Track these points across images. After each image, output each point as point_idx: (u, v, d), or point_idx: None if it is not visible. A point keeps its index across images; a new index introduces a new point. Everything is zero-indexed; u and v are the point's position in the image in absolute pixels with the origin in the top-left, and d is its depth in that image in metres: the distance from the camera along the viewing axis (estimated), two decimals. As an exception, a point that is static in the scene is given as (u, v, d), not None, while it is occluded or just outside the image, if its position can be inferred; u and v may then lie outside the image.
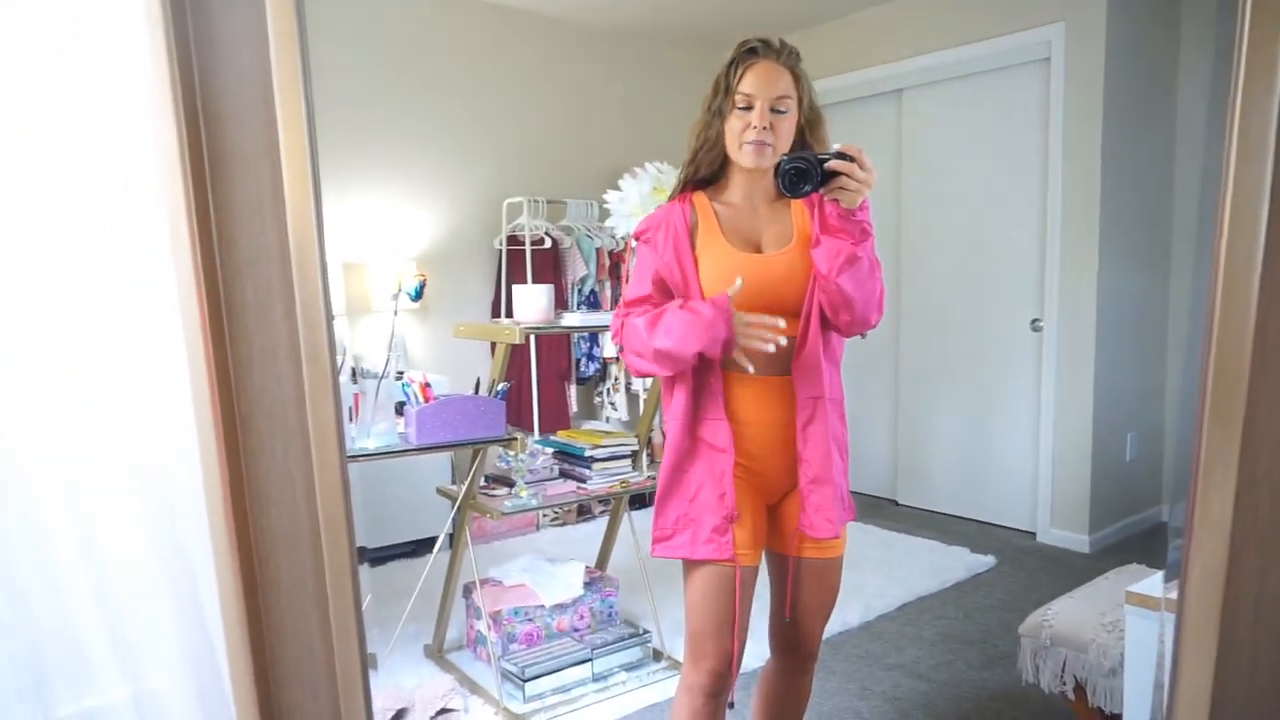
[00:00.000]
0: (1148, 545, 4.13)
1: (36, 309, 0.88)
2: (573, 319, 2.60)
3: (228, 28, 0.86)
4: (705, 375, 1.63)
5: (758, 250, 1.63)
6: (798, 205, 1.65)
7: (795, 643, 1.79)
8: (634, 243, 1.75)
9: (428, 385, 2.42)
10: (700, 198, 1.68)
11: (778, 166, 1.49)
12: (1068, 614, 2.12)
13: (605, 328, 3.24)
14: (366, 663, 0.92)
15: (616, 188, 2.74)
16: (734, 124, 1.58)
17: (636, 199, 2.59)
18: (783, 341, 1.50)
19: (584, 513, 4.69)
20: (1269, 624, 0.75)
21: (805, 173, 1.46)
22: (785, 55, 1.59)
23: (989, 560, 3.93)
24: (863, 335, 1.68)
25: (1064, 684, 2.06)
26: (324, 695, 0.93)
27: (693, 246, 1.64)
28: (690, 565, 1.64)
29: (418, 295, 3.10)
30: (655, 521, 1.69)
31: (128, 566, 0.95)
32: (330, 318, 0.92)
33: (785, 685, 1.87)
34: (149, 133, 0.83)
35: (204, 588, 0.94)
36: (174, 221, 0.84)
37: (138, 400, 0.96)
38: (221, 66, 0.86)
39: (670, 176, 2.63)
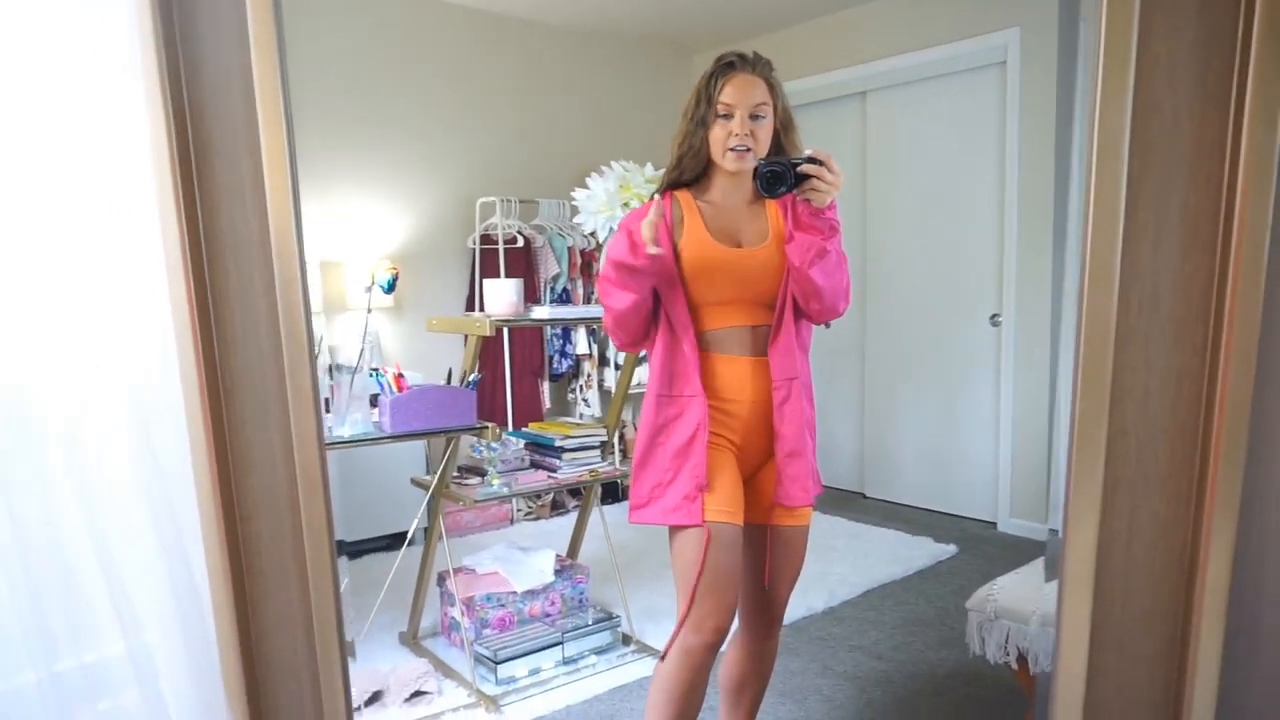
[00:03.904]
0: (1102, 532, 4.26)
1: (46, 285, 0.95)
2: (542, 312, 2.69)
3: (211, 31, 0.94)
4: (678, 352, 1.76)
5: (738, 245, 1.77)
6: (773, 205, 1.80)
7: (764, 607, 1.92)
8: (602, 236, 1.86)
9: (401, 376, 2.50)
10: (685, 195, 1.81)
11: (756, 169, 1.64)
12: (1012, 588, 2.24)
13: (576, 321, 3.33)
14: (341, 615, 1.00)
15: (586, 186, 2.83)
16: (717, 132, 1.73)
17: (603, 196, 2.68)
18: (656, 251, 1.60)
19: (557, 507, 4.77)
20: (1140, 557, 0.85)
21: (780, 175, 1.62)
22: (760, 67, 1.74)
23: (951, 549, 4.06)
24: (826, 325, 1.84)
25: (1008, 654, 2.17)
26: (302, 645, 1.01)
27: (672, 236, 1.77)
28: (679, 530, 1.74)
29: (390, 288, 3.17)
30: (632, 490, 1.81)
31: (125, 528, 1.02)
32: (308, 297, 1.00)
33: (753, 650, 1.98)
34: (142, 127, 0.92)
35: (192, 548, 1.02)
36: (163, 208, 0.92)
37: (133, 381, 1.04)
38: (206, 66, 0.95)
39: (636, 175, 2.72)
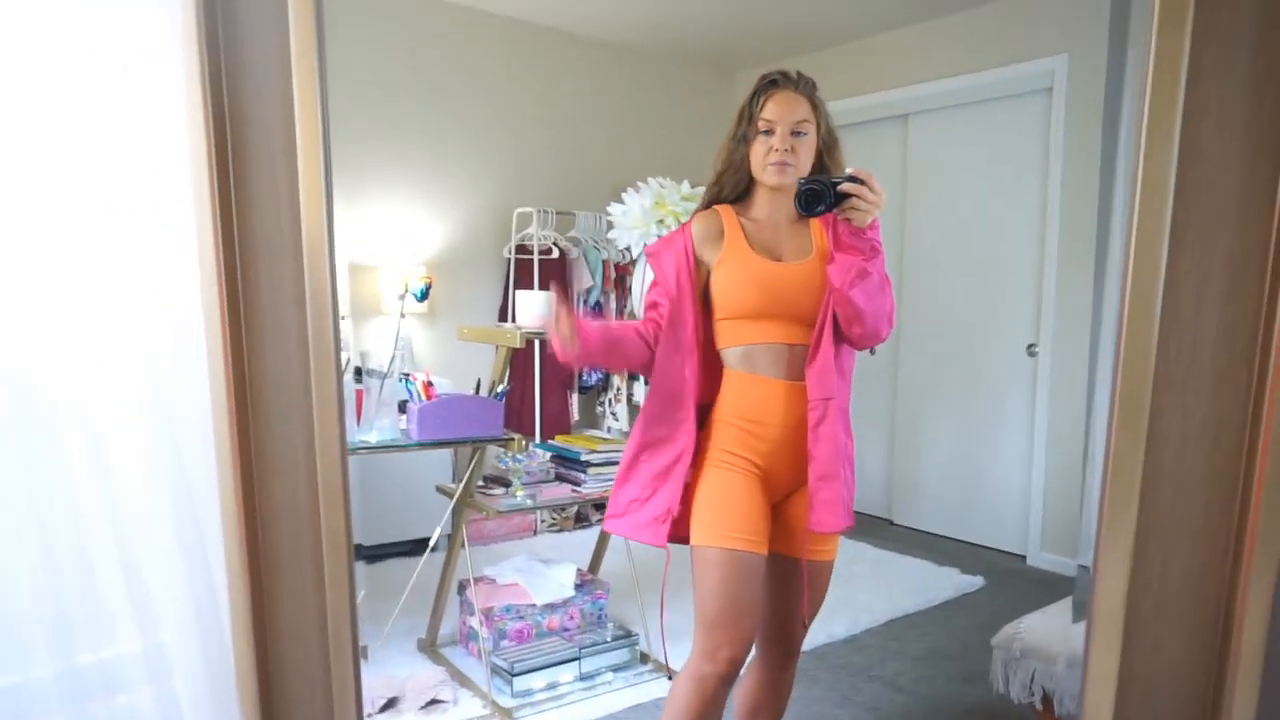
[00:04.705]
0: (1136, 572, 4.16)
1: (75, 277, 0.97)
2: (573, 326, 2.68)
3: (253, 38, 0.96)
4: (680, 375, 1.75)
5: (778, 260, 1.76)
6: (817, 225, 1.78)
7: (781, 638, 1.89)
8: (636, 251, 1.88)
9: (430, 384, 2.51)
10: (727, 210, 1.81)
11: (795, 188, 1.62)
12: (1040, 627, 2.19)
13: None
14: (356, 620, 1.00)
15: (622, 201, 2.84)
16: (758, 148, 1.73)
17: (638, 212, 2.68)
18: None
19: (581, 520, 4.77)
20: (1172, 609, 0.82)
21: (819, 194, 1.61)
22: (803, 85, 1.74)
23: (978, 581, 3.98)
24: (871, 352, 1.81)
25: (1032, 695, 2.12)
26: (316, 650, 1.01)
27: (696, 263, 1.77)
28: (703, 553, 1.71)
29: (423, 296, 3.20)
30: (611, 498, 1.82)
31: (146, 528, 1.04)
32: (336, 307, 1.01)
33: (769, 680, 1.95)
34: (182, 132, 0.93)
35: (212, 550, 1.03)
36: (199, 212, 0.93)
37: (162, 387, 1.05)
38: (247, 74, 0.96)
39: (672, 192, 2.73)
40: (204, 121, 0.92)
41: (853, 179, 1.61)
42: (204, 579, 1.00)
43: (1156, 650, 0.82)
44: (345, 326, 3.94)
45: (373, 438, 2.44)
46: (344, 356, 2.10)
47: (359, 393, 2.47)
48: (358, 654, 1.03)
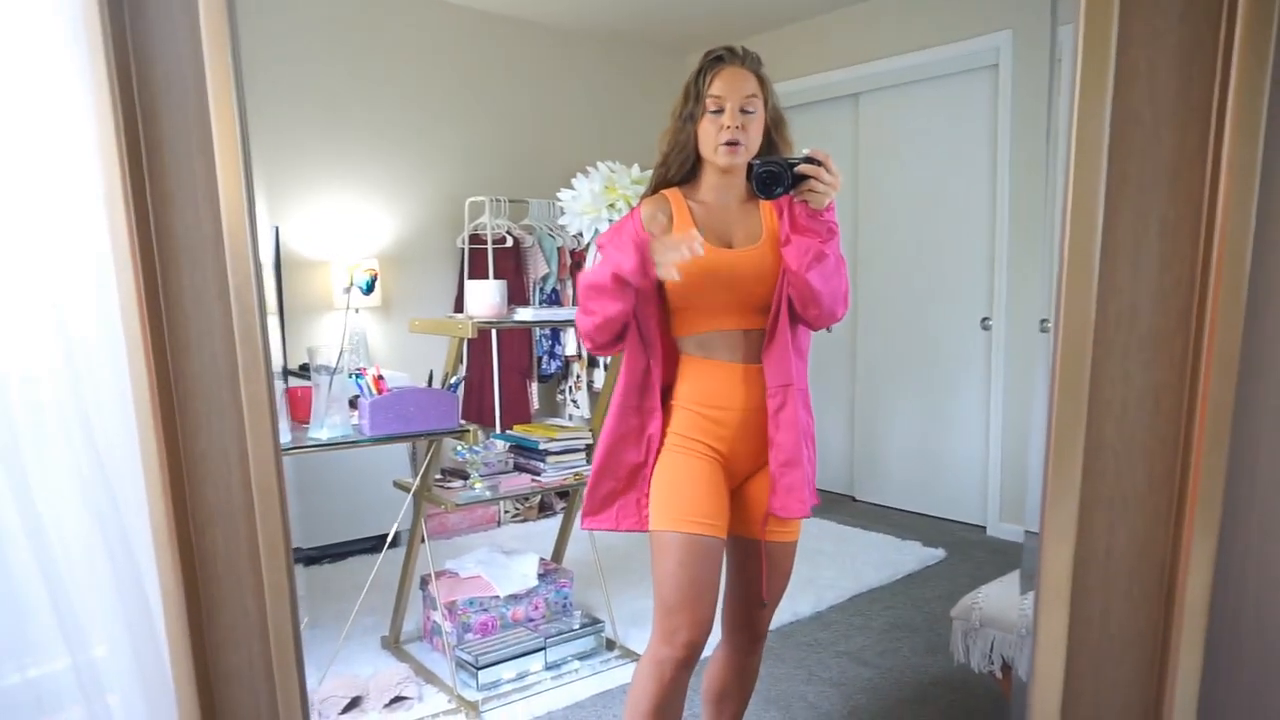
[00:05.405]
0: (1091, 537, 4.25)
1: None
2: (525, 313, 2.66)
3: (162, 28, 0.91)
4: (646, 368, 1.73)
5: (729, 246, 1.72)
6: (766, 206, 1.74)
7: (747, 623, 1.88)
8: (587, 238, 1.83)
9: (381, 378, 2.47)
10: (675, 194, 1.76)
11: (751, 169, 1.59)
12: (997, 597, 2.22)
13: (560, 323, 3.28)
14: (299, 626, 0.97)
15: (572, 187, 2.80)
16: (707, 127, 1.68)
17: (588, 197, 2.65)
18: (699, 250, 1.54)
19: (544, 509, 4.74)
20: (1118, 575, 0.83)
21: (777, 175, 1.57)
22: (749, 61, 1.70)
23: (939, 553, 4.04)
24: (829, 330, 1.79)
25: (992, 663, 2.15)
26: (258, 659, 0.98)
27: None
28: (660, 538, 1.70)
29: (369, 289, 3.14)
30: (586, 495, 1.80)
31: (70, 542, 0.99)
32: (263, 303, 0.97)
33: (735, 664, 1.94)
34: (89, 126, 0.88)
35: (143, 559, 0.99)
36: (111, 208, 0.89)
37: (82, 390, 1.00)
38: (157, 66, 0.92)
39: (622, 175, 2.70)
40: (112, 113, 0.88)
41: (810, 160, 1.56)
42: (135, 589, 0.96)
43: (1104, 615, 0.83)
44: (272, 324, 3.83)
45: (324, 435, 2.38)
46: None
47: (290, 391, 2.42)
48: (301, 660, 1.00)
